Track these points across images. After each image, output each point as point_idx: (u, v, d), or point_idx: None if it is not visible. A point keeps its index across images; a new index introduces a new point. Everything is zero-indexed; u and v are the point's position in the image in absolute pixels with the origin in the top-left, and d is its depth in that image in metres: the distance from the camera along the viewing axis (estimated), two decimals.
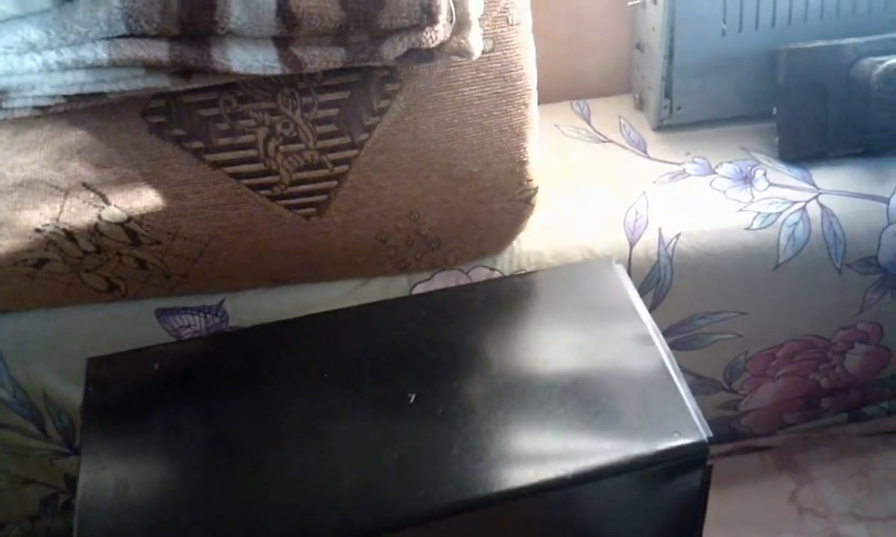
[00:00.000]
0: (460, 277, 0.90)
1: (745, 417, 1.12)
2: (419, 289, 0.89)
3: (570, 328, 0.75)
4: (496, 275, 0.90)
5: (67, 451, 0.97)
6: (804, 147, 1.00)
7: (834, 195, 0.95)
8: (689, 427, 0.65)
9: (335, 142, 0.77)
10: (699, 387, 1.05)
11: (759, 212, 0.94)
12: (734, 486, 1.09)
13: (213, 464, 0.67)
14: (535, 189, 0.85)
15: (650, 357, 0.71)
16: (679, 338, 0.99)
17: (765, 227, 0.93)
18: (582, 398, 0.68)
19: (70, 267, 0.81)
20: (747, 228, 0.93)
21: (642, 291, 0.93)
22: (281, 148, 0.76)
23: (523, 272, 0.89)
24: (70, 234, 0.79)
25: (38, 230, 0.78)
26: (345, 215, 0.81)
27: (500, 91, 0.79)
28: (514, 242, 0.90)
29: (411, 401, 0.68)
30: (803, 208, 0.94)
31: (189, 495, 0.65)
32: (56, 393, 0.90)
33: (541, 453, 0.64)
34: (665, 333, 0.97)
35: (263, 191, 0.79)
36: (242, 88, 0.74)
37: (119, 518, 0.63)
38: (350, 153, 0.78)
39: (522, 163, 0.82)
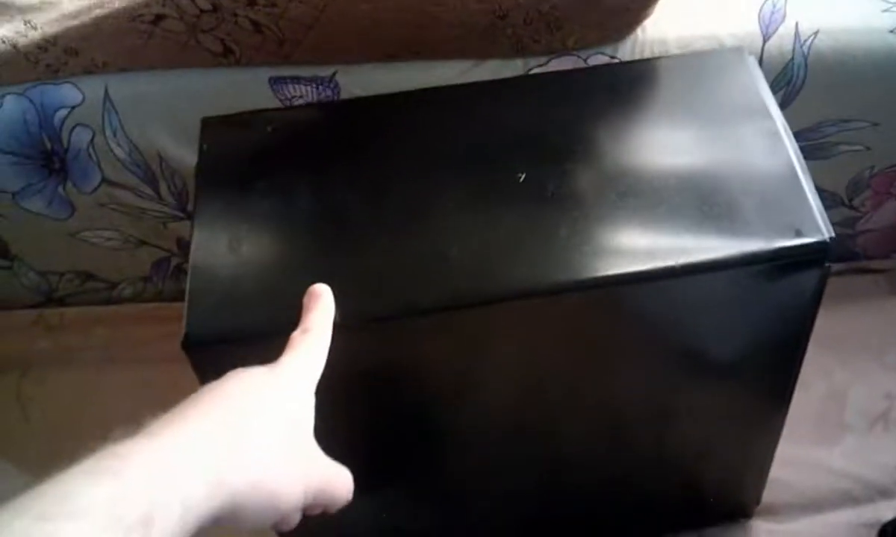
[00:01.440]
0: (578, 64, 0.86)
1: (862, 237, 1.08)
2: None
3: (692, 119, 0.71)
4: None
5: (181, 215, 1.00)
6: None
7: None
8: (811, 225, 0.62)
9: None
10: None
11: None
12: (843, 306, 1.06)
13: (322, 231, 0.67)
14: None
15: (777, 153, 0.67)
16: (803, 145, 0.93)
17: None
18: (700, 191, 0.65)
19: (186, 25, 0.81)
20: (892, 31, 0.86)
21: (772, 90, 0.88)
22: None
23: (648, 57, 0.85)
24: None
25: None
26: None
27: None
28: (638, 30, 0.85)
29: (521, 180, 0.67)
30: None
31: (299, 259, 0.66)
32: (170, 155, 0.92)
33: (652, 242, 0.62)
34: None
35: None
36: None
37: (230, 274, 0.64)
38: None
39: None
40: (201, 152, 0.72)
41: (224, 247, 0.65)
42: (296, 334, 0.56)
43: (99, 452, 0.40)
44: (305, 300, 0.59)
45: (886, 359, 1.05)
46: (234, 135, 0.74)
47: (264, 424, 0.49)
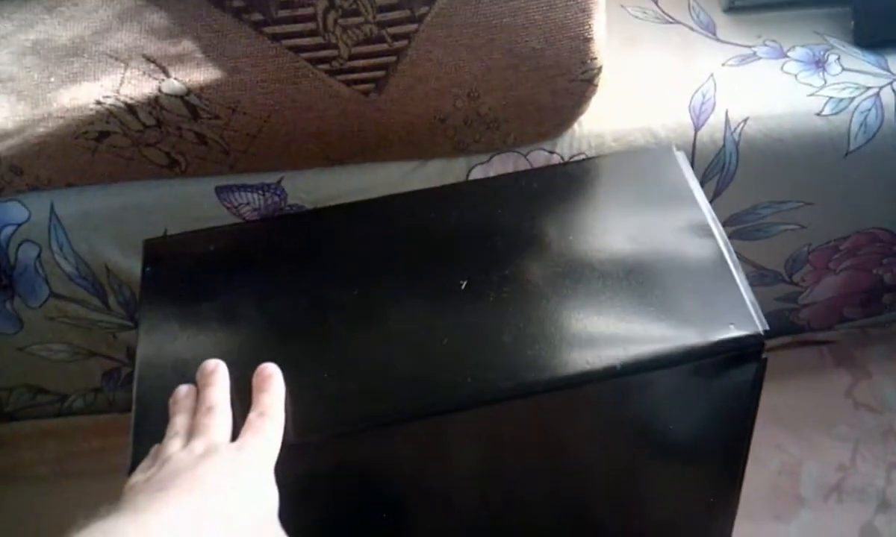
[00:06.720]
0: (519, 160, 0.88)
1: (805, 310, 1.10)
2: (477, 172, 0.88)
3: (627, 216, 0.73)
4: (555, 158, 0.88)
5: (130, 325, 0.99)
6: (880, 31, 0.95)
7: None
8: (744, 319, 0.64)
9: (395, 15, 0.75)
10: (759, 278, 1.03)
11: (830, 98, 0.90)
12: (790, 380, 1.08)
13: (266, 345, 0.67)
14: (599, 68, 0.82)
15: (708, 247, 0.69)
16: (741, 227, 0.97)
17: (836, 113, 0.89)
18: (636, 288, 0.67)
19: (131, 140, 0.82)
20: (818, 114, 0.89)
21: (706, 178, 0.91)
22: (340, 21, 0.75)
23: (582, 158, 0.87)
24: (131, 107, 0.79)
25: (98, 102, 0.78)
26: (403, 92, 0.80)
27: None
28: (575, 124, 0.88)
29: (462, 287, 0.68)
30: (877, 94, 0.90)
31: (246, 377, 0.66)
32: (118, 267, 0.92)
33: (592, 342, 0.64)
34: (727, 223, 0.95)
35: (322, 66, 0.77)
36: None
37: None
38: (410, 27, 0.76)
39: (587, 40, 0.79)
40: (144, 275, 0.72)
41: (169, 366, 0.66)
42: (252, 416, 0.59)
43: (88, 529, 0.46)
44: (256, 380, 0.61)
45: (837, 430, 1.06)
46: (176, 256, 0.74)
47: (239, 504, 0.53)
